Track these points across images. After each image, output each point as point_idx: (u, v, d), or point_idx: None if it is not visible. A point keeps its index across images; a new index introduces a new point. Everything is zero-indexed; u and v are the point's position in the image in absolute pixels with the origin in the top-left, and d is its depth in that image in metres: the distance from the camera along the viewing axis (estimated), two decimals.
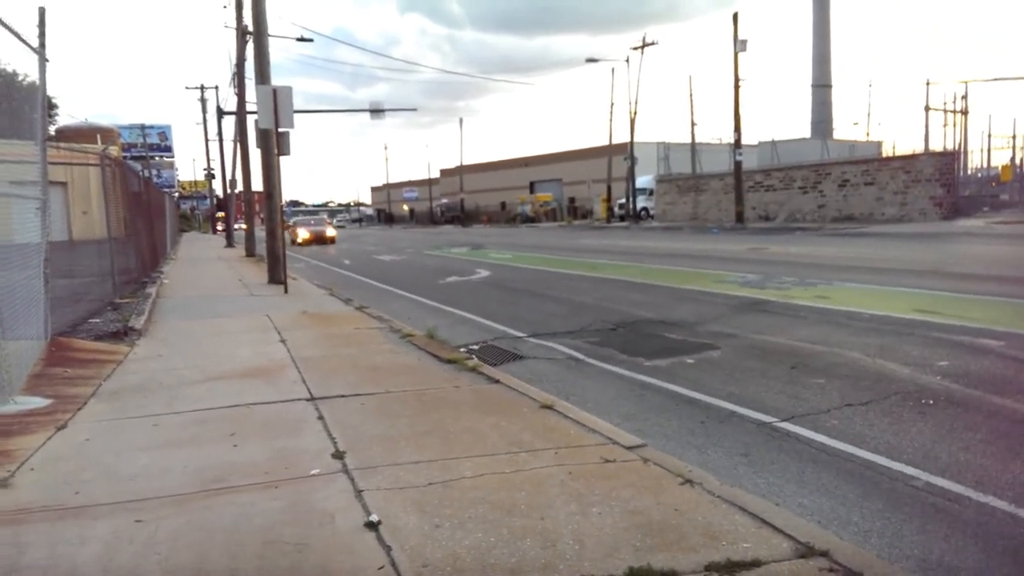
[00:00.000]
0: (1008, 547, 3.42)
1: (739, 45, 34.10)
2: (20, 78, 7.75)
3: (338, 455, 4.44)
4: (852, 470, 4.38)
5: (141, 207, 17.70)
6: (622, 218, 48.57)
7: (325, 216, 44.66)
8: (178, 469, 4.28)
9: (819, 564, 3.00)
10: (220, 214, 44.61)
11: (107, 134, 50.13)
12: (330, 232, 36.79)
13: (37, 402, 5.79)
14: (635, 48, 45.21)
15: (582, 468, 4.12)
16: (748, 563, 3.01)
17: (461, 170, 75.28)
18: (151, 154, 67.68)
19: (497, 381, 6.25)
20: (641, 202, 48.07)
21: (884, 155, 43.25)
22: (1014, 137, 49.11)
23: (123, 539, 3.38)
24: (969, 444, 4.66)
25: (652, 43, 44.59)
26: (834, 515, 3.80)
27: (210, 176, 56.07)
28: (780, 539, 3.22)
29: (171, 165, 76.69)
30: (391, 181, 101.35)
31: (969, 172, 52.00)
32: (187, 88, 66.96)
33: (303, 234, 35.84)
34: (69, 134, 42.69)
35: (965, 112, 50.95)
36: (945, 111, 51.03)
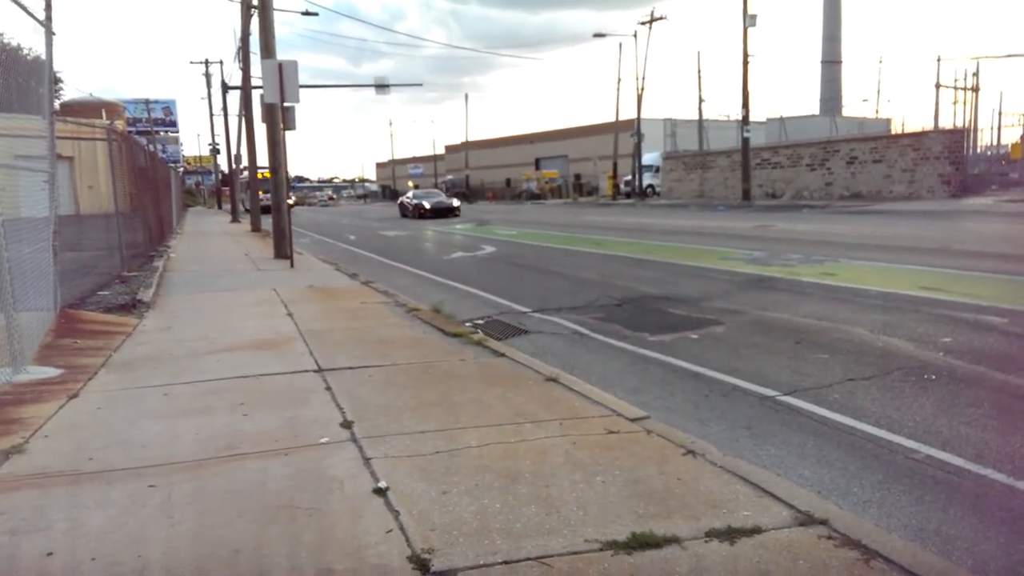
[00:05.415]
0: (1006, 519, 3.47)
1: (748, 20, 33.66)
2: (25, 52, 7.75)
3: (346, 424, 4.52)
4: (853, 443, 4.43)
5: (147, 181, 17.74)
6: (628, 195, 48.38)
7: None
8: (189, 437, 4.36)
9: (818, 532, 3.06)
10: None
11: (112, 108, 50.13)
12: None
13: (49, 371, 5.88)
14: (643, 23, 44.81)
15: (586, 439, 4.19)
16: (749, 530, 3.07)
17: (466, 146, 75.03)
18: (156, 129, 67.53)
19: (502, 355, 6.30)
20: (647, 179, 47.89)
21: (893, 132, 42.86)
22: None
23: (138, 503, 3.46)
24: (971, 419, 4.71)
25: (660, 18, 44.20)
26: (834, 486, 3.86)
27: (215, 151, 55.97)
28: (780, 508, 3.28)
29: (176, 140, 76.64)
30: (396, 157, 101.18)
31: (979, 150, 51.54)
32: (191, 63, 66.76)
33: None
34: (74, 108, 42.73)
35: (976, 89, 50.38)
36: (956, 88, 50.50)
